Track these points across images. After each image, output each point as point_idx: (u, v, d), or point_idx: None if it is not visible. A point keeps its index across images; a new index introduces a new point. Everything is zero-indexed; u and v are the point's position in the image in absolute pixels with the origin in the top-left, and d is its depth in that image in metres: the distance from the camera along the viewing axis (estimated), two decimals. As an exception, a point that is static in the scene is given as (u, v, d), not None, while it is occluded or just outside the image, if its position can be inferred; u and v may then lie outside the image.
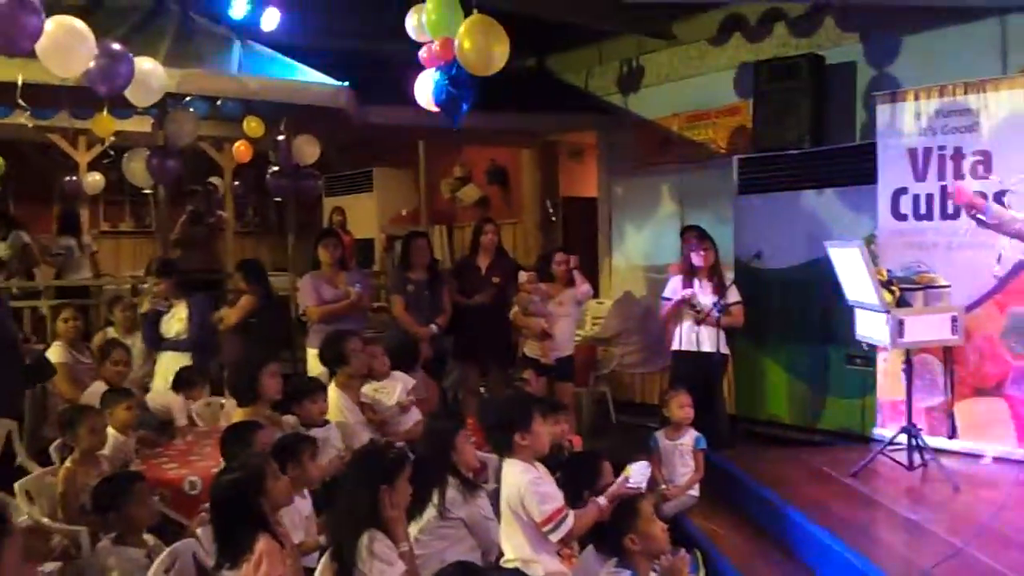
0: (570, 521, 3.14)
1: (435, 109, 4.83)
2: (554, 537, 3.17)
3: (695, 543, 4.35)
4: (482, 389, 6.56)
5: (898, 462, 4.88)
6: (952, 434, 5.21)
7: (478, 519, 3.71)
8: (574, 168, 9.70)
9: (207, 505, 3.55)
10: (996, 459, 5.02)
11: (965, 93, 5.41)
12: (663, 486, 4.80)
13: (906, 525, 4.11)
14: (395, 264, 6.66)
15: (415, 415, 4.88)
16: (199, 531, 3.31)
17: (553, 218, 9.24)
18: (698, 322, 5.67)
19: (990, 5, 5.87)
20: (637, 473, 3.15)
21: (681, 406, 4.92)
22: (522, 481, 3.29)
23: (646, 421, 6.36)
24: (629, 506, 3.26)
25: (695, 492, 4.91)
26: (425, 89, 4.70)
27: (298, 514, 3.58)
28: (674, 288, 5.81)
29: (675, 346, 5.83)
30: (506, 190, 9.47)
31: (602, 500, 3.23)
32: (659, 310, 6.03)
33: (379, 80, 6.26)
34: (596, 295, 8.54)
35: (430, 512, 3.71)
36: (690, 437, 4.89)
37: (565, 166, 9.64)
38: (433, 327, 6.04)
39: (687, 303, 5.69)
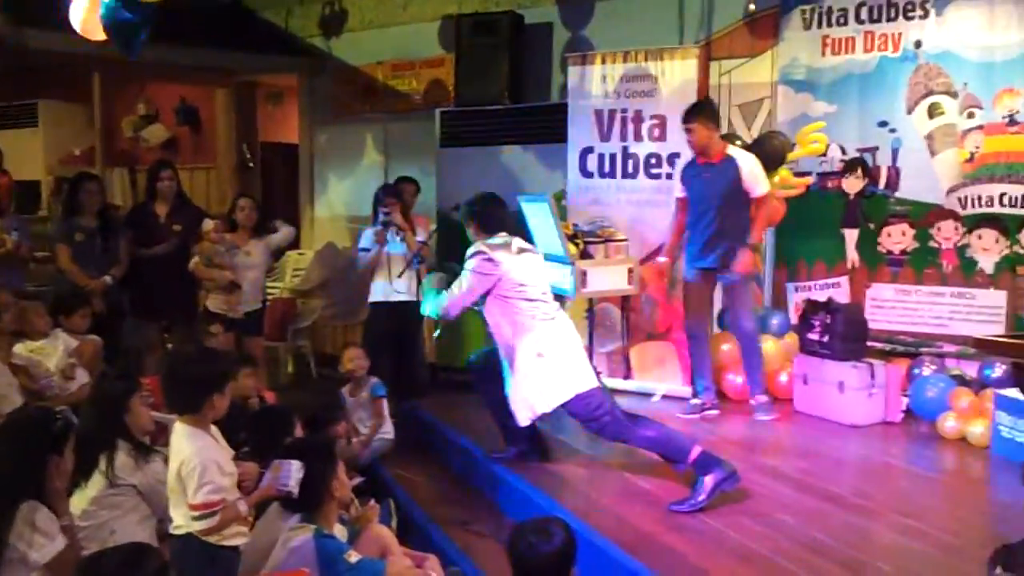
0: (216, 519, 3.01)
1: (101, 37, 4.29)
2: (196, 526, 3.01)
3: (389, 492, 4.37)
4: (169, 346, 6.11)
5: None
6: (627, 375, 5.67)
7: (153, 485, 3.44)
8: (274, 112, 9.24)
9: None
10: (665, 396, 5.53)
11: (646, 60, 5.80)
12: (353, 440, 4.79)
13: (585, 462, 4.40)
14: (63, 209, 5.92)
15: (81, 377, 4.41)
16: None
17: (251, 164, 8.71)
18: (400, 275, 5.64)
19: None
20: (285, 476, 2.99)
21: (351, 359, 5.03)
22: (194, 457, 3.07)
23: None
24: (328, 451, 3.18)
25: (389, 436, 4.95)
26: (80, 13, 4.13)
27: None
28: (370, 239, 5.73)
29: (372, 297, 5.78)
30: (198, 132, 8.78)
31: (243, 506, 3.11)
32: (358, 262, 5.92)
33: (41, 1, 5.48)
34: (297, 246, 8.25)
35: (98, 480, 3.39)
36: (367, 388, 4.95)
37: (264, 109, 9.13)
38: (107, 279, 5.48)
39: (389, 230, 5.59)
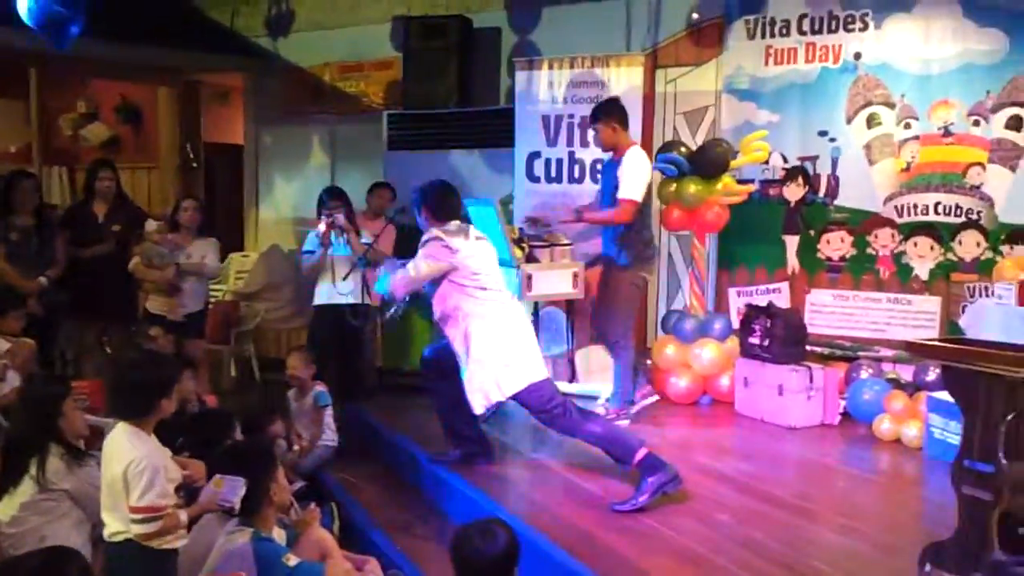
0: (159, 524, 2.98)
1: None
2: (136, 529, 2.96)
3: (331, 496, 4.33)
4: (108, 350, 5.97)
5: (525, 407, 5.22)
6: (572, 378, 5.69)
7: (87, 490, 3.37)
8: (219, 112, 9.09)
9: None
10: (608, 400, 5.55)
11: (592, 66, 5.86)
12: (294, 447, 4.74)
13: (528, 464, 4.40)
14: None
15: (13, 380, 4.29)
16: None
17: (194, 164, 8.57)
18: (345, 277, 5.58)
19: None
20: (228, 492, 2.93)
21: (293, 366, 4.94)
22: (144, 459, 3.01)
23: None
24: (268, 455, 3.14)
25: (332, 443, 4.90)
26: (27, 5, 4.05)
27: None
28: (315, 242, 5.66)
29: (316, 300, 5.71)
30: (140, 131, 8.59)
31: (183, 516, 3.06)
32: (300, 264, 5.84)
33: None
34: (241, 248, 8.14)
35: (28, 485, 3.32)
36: (311, 396, 4.90)
37: (209, 109, 8.98)
38: (43, 280, 5.33)
39: (332, 229, 5.53)
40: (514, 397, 3.97)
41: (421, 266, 4.02)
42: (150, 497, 2.99)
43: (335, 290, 5.57)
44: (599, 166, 5.71)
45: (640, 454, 3.80)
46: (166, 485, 3.08)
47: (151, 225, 5.57)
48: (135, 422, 3.13)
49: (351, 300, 5.51)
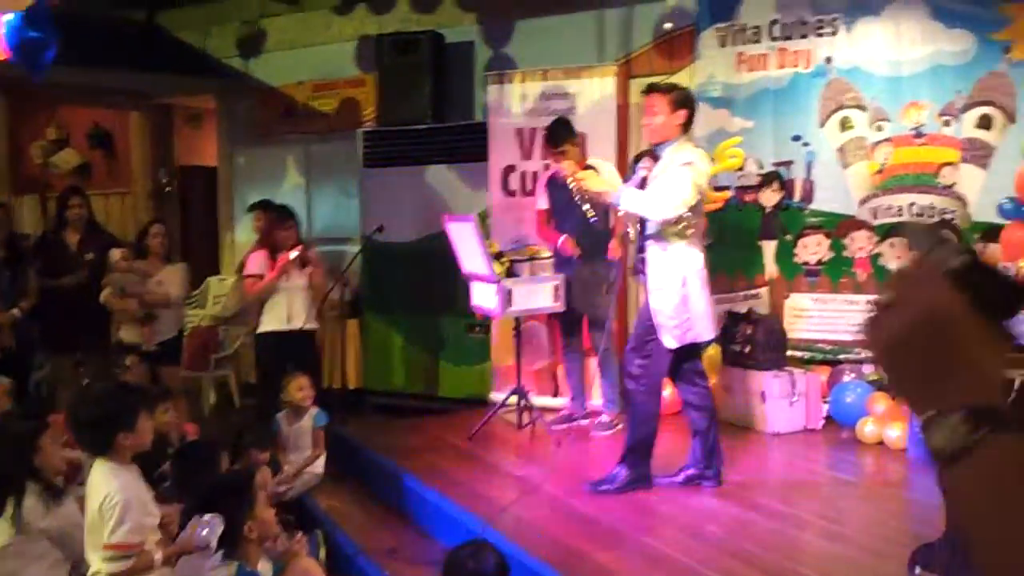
0: (130, 562, 2.92)
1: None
2: (106, 568, 2.90)
3: (317, 523, 4.27)
4: (85, 381, 5.88)
5: (510, 422, 5.20)
6: (556, 392, 5.67)
7: (65, 529, 3.29)
8: (192, 135, 9.03)
9: None
10: (591, 413, 5.53)
11: (565, 78, 5.85)
12: (283, 470, 4.66)
13: (514, 482, 4.36)
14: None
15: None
16: None
17: (168, 188, 8.51)
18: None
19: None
20: (209, 531, 2.88)
21: (300, 388, 4.84)
22: (118, 493, 2.95)
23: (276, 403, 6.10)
24: (245, 493, 3.08)
25: (319, 470, 4.82)
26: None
27: None
28: (260, 264, 5.44)
29: (265, 328, 5.42)
30: (112, 156, 8.53)
31: (158, 556, 3.01)
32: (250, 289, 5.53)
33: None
34: (217, 271, 8.07)
35: (4, 527, 3.23)
36: (309, 417, 4.82)
37: (182, 132, 8.94)
38: (15, 312, 5.26)
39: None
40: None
41: (687, 190, 3.54)
42: (122, 533, 2.93)
43: (286, 318, 5.39)
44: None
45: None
46: (142, 520, 3.01)
47: (115, 254, 5.49)
48: (107, 457, 3.07)
49: (311, 325, 5.44)
